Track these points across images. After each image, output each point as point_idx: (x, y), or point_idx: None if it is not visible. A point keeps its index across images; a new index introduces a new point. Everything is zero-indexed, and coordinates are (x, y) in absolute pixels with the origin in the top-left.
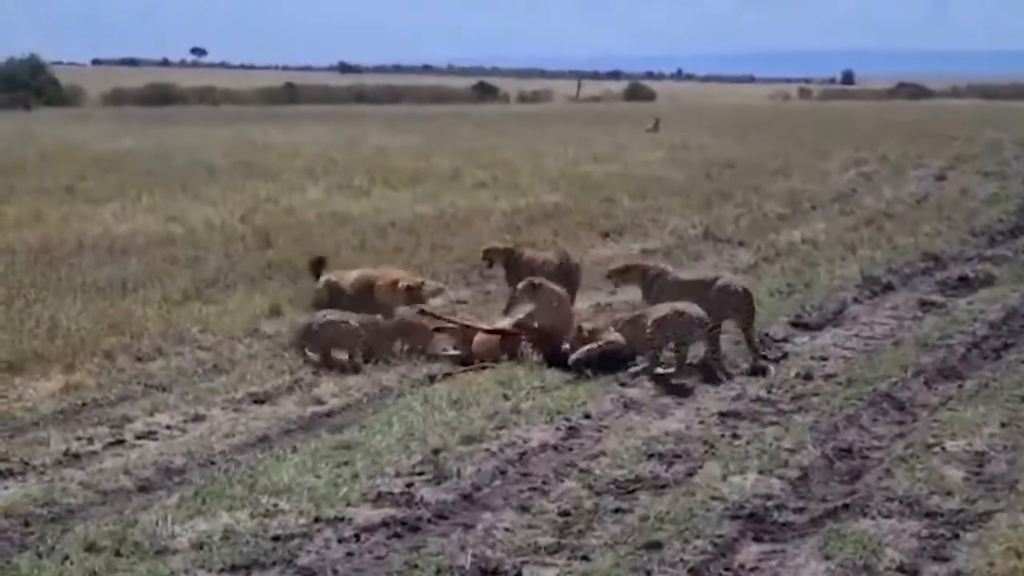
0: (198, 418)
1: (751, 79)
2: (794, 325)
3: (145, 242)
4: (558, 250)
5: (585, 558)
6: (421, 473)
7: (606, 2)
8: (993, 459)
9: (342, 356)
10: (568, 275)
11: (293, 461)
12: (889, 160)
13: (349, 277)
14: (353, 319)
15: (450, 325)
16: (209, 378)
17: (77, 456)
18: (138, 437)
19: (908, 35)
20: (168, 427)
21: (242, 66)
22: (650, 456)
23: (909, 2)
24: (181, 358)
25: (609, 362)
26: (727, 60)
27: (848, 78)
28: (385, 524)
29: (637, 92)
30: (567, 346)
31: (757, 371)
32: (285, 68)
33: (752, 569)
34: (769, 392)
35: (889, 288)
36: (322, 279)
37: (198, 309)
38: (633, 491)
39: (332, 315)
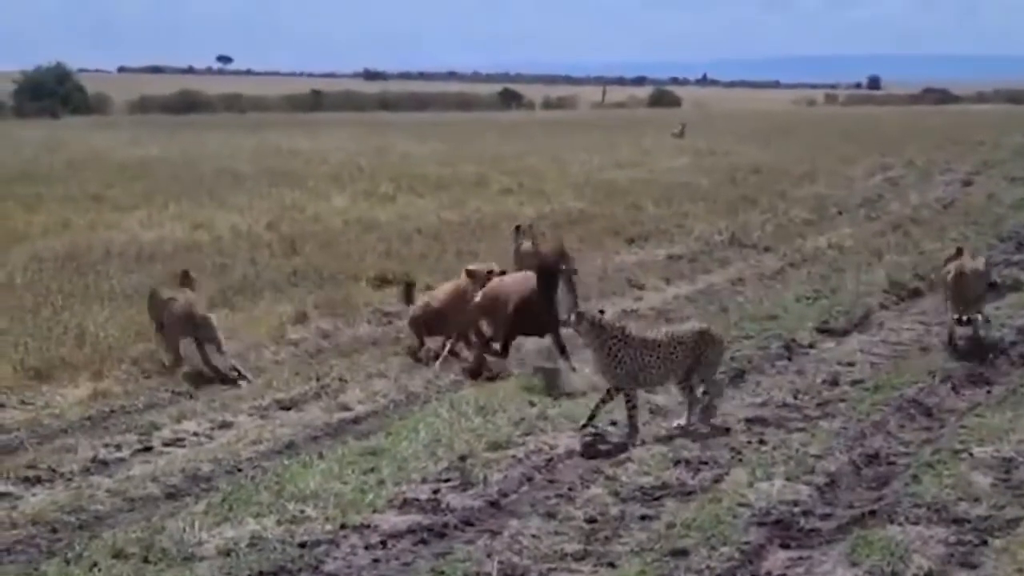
0: (225, 425)
1: (776, 84)
2: (820, 331)
3: (172, 249)
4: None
5: (611, 565)
6: (448, 479)
7: (631, 8)
8: (1021, 465)
9: None
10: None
11: (320, 468)
12: (915, 165)
13: (440, 294)
14: None
15: None
16: (236, 385)
17: (105, 463)
18: (165, 444)
19: (934, 40)
20: (195, 434)
21: (268, 73)
22: (676, 463)
23: (935, 7)
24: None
25: None
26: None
27: (874, 83)
28: (411, 531)
29: (662, 98)
30: None
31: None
32: (311, 75)
33: None
34: (796, 398)
35: (916, 294)
36: (416, 303)
37: (225, 316)
38: (659, 498)
39: None
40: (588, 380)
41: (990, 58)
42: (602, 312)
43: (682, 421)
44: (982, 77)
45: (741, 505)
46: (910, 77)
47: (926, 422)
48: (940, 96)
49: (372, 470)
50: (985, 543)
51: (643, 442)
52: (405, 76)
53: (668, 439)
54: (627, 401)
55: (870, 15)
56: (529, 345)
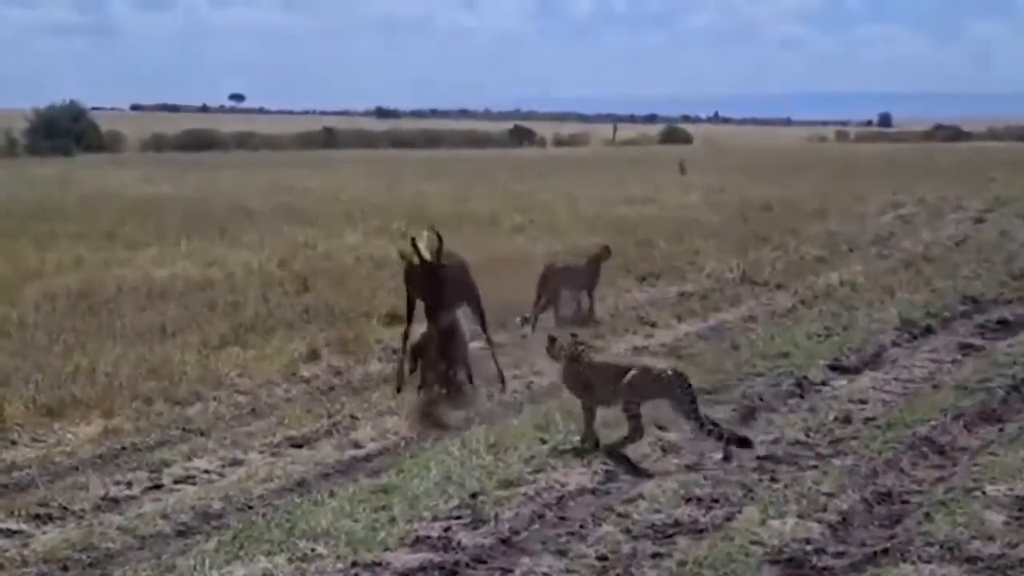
0: (236, 462)
1: (788, 122)
2: (832, 368)
3: (184, 287)
4: None
5: None
6: (459, 517)
7: (642, 45)
8: None
9: None
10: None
11: (331, 505)
12: (927, 202)
13: None
14: None
15: None
16: (247, 422)
17: (116, 501)
18: (176, 481)
19: (945, 78)
20: (206, 471)
21: (280, 111)
22: (688, 500)
23: (946, 46)
24: (219, 402)
25: None
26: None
27: (885, 120)
28: (423, 568)
29: (673, 135)
30: None
31: None
32: (323, 113)
33: None
34: (808, 436)
35: (928, 331)
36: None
37: (236, 353)
38: (671, 535)
39: None
40: None
41: (1002, 96)
42: (573, 335)
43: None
44: (993, 115)
45: (753, 543)
46: (921, 114)
47: (939, 460)
48: (951, 133)
49: (383, 508)
50: None
51: (651, 476)
52: (417, 114)
53: (680, 476)
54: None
55: (883, 53)
56: None
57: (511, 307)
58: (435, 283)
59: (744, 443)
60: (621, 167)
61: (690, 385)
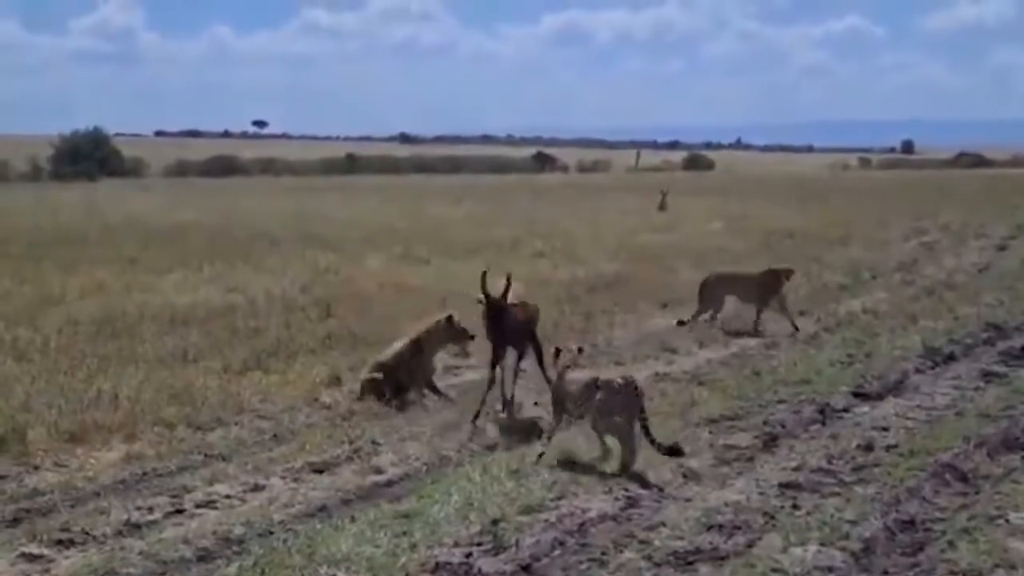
0: (257, 487)
1: (810, 149)
2: (855, 395)
3: (206, 313)
4: None
5: None
6: (480, 543)
7: (665, 72)
8: None
9: None
10: None
11: (352, 531)
12: (950, 229)
13: None
14: None
15: None
16: (268, 447)
17: (137, 526)
18: (198, 506)
19: (968, 105)
20: (227, 496)
21: (303, 137)
22: (709, 527)
23: (969, 72)
24: (241, 427)
25: None
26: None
27: (908, 148)
28: None
29: (696, 162)
30: None
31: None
32: (346, 139)
33: None
34: (830, 463)
35: (951, 358)
36: None
37: (258, 379)
38: (693, 562)
39: None
40: None
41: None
42: (580, 349)
43: None
44: (1016, 141)
45: (775, 571)
46: (944, 141)
47: (961, 488)
48: (974, 160)
49: (404, 533)
50: None
51: (669, 499)
52: (440, 140)
53: (701, 503)
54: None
55: (905, 81)
56: None
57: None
58: (496, 320)
59: (674, 452)
60: (644, 194)
61: (640, 393)
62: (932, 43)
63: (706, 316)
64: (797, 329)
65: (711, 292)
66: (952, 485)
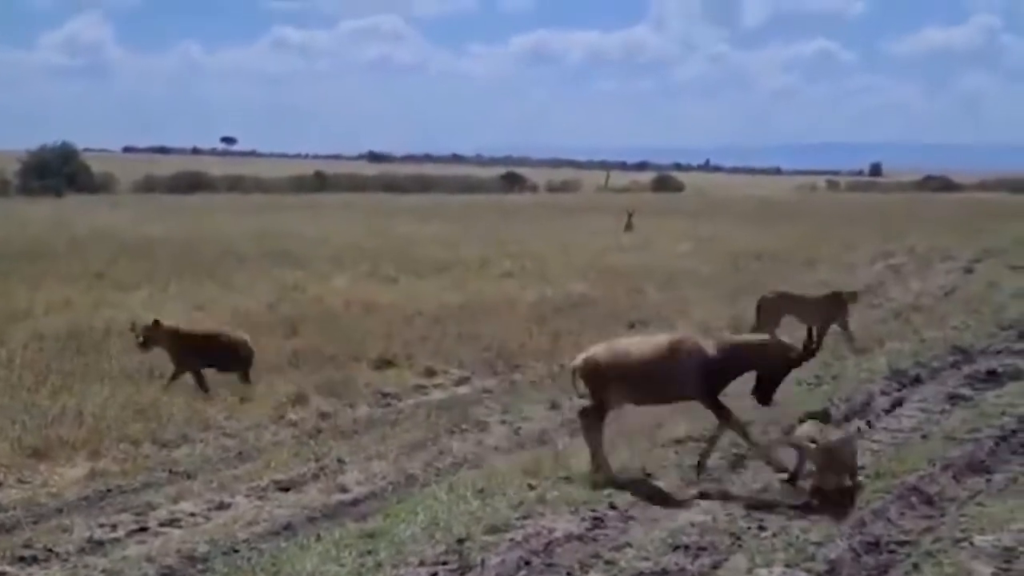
0: (222, 505)
1: (779, 171)
2: (812, 415)
3: None
4: None
5: None
6: (445, 563)
7: (636, 93)
8: (1022, 555)
9: None
10: None
11: (317, 550)
12: (917, 253)
13: None
14: None
15: None
16: (234, 465)
17: (100, 543)
18: (162, 524)
19: (936, 129)
20: (192, 514)
21: (272, 154)
22: (676, 548)
23: (937, 97)
24: (206, 445)
25: None
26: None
27: (875, 170)
28: None
29: (665, 183)
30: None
31: None
32: (315, 157)
33: None
34: (796, 484)
35: (917, 381)
36: None
37: (224, 397)
38: None
39: None
40: None
41: (992, 147)
42: None
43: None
44: (983, 166)
45: None
46: (912, 164)
47: (927, 510)
48: (942, 184)
49: (369, 553)
50: None
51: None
52: (409, 158)
53: (668, 524)
54: None
55: (874, 104)
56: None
57: (499, 351)
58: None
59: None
60: (613, 214)
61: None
62: (901, 67)
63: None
64: (853, 345)
65: (769, 310)
66: (917, 507)
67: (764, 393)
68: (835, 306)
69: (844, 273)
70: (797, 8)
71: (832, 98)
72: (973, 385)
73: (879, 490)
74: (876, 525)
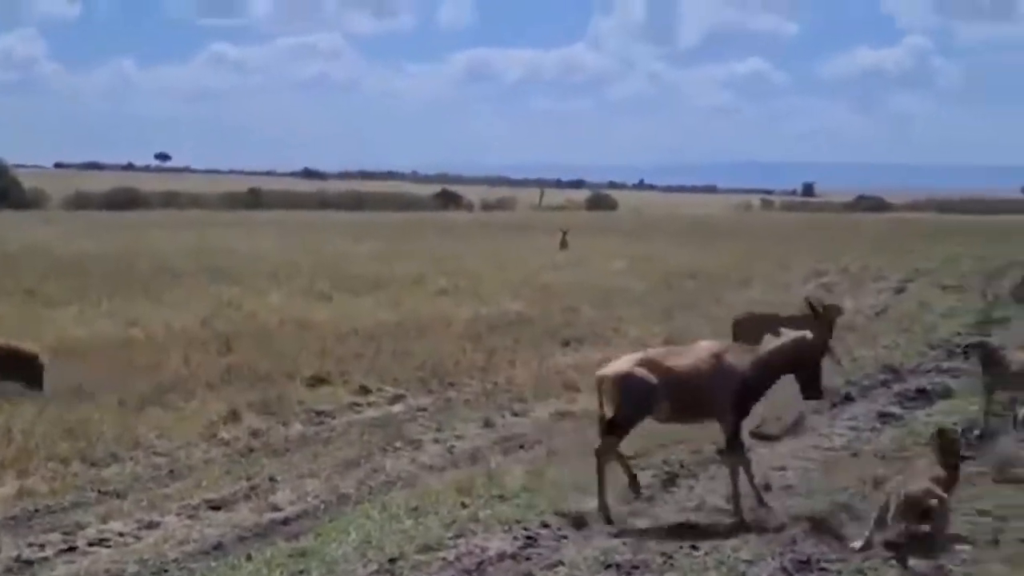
0: (152, 525)
1: (713, 190)
2: (753, 436)
3: (104, 346)
4: None
5: None
6: None
7: (572, 112)
8: (951, 572)
9: None
10: None
11: (247, 569)
12: (849, 272)
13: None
14: None
15: None
16: (164, 484)
17: (28, 562)
18: (90, 544)
19: (868, 149)
20: (121, 534)
21: (207, 171)
22: (608, 566)
23: (869, 117)
24: (136, 464)
25: None
26: (690, 171)
27: (808, 190)
28: None
29: (600, 202)
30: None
31: None
32: (249, 173)
33: None
34: (728, 503)
35: (848, 399)
36: None
37: (156, 414)
38: None
39: None
40: None
41: (923, 168)
42: None
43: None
44: (914, 186)
45: None
46: (844, 184)
47: (857, 528)
48: (874, 203)
49: (301, 572)
50: None
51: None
52: (344, 175)
53: (600, 542)
54: None
55: (807, 124)
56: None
57: (434, 369)
58: None
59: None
60: (548, 232)
61: None
62: (834, 88)
63: None
64: (841, 365)
65: (746, 331)
66: (847, 525)
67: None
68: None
69: (778, 292)
70: (732, 28)
71: (766, 117)
72: (903, 403)
73: (810, 508)
74: (807, 543)
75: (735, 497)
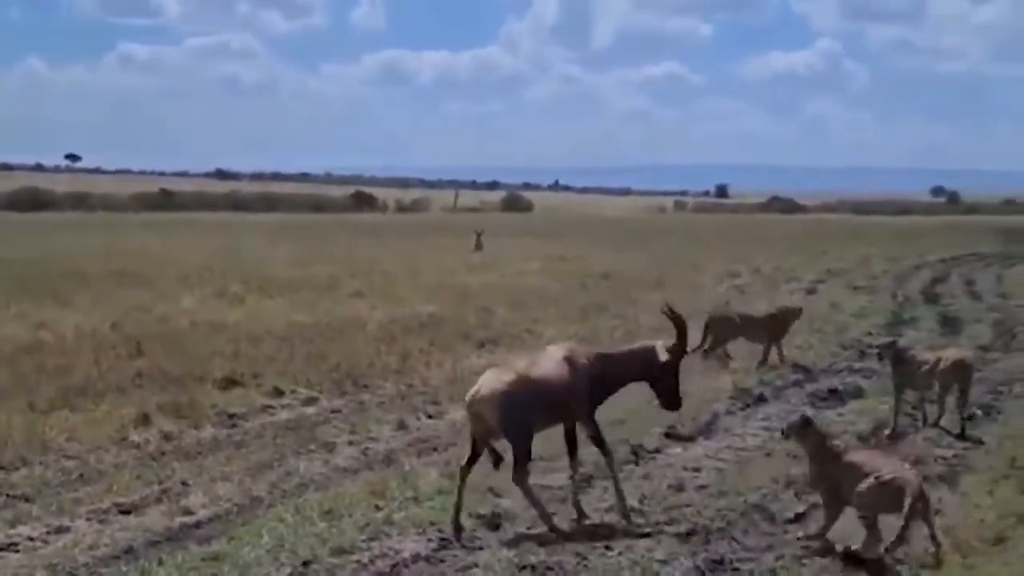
0: (61, 529)
1: (628, 192)
2: (667, 436)
3: (12, 349)
4: None
5: None
6: None
7: (486, 113)
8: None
9: None
10: None
11: (159, 574)
12: (762, 273)
13: None
14: None
15: None
16: (74, 488)
17: None
18: None
19: (782, 152)
20: (30, 538)
21: (118, 171)
22: (522, 568)
23: (782, 120)
24: (45, 467)
25: None
26: (605, 173)
27: (722, 191)
28: None
29: (514, 203)
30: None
31: None
32: (161, 174)
33: None
34: (641, 503)
35: (761, 400)
36: None
37: (65, 417)
38: None
39: None
40: None
41: (835, 170)
42: None
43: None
44: (827, 188)
45: None
46: (758, 186)
47: (769, 528)
48: (787, 205)
49: None
50: None
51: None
52: (257, 177)
53: (515, 544)
54: None
55: (722, 126)
56: None
57: (348, 371)
58: None
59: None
60: (462, 234)
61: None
62: (747, 90)
63: (719, 351)
64: (782, 361)
65: (719, 329)
66: (760, 525)
67: (670, 399)
68: (779, 323)
69: (692, 294)
70: (647, 30)
71: (681, 120)
72: (815, 404)
73: (723, 508)
74: (720, 543)
75: (618, 492)
